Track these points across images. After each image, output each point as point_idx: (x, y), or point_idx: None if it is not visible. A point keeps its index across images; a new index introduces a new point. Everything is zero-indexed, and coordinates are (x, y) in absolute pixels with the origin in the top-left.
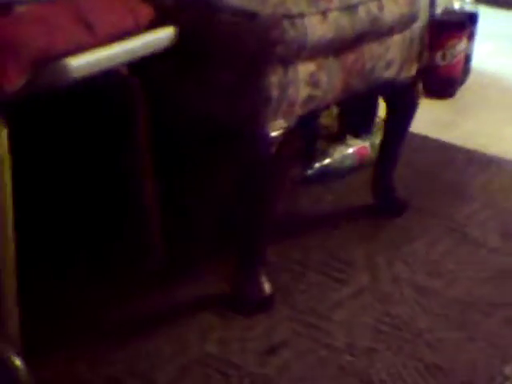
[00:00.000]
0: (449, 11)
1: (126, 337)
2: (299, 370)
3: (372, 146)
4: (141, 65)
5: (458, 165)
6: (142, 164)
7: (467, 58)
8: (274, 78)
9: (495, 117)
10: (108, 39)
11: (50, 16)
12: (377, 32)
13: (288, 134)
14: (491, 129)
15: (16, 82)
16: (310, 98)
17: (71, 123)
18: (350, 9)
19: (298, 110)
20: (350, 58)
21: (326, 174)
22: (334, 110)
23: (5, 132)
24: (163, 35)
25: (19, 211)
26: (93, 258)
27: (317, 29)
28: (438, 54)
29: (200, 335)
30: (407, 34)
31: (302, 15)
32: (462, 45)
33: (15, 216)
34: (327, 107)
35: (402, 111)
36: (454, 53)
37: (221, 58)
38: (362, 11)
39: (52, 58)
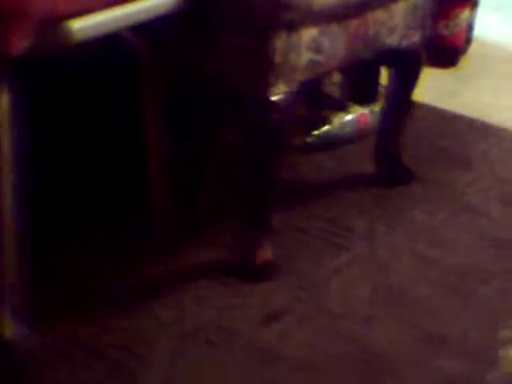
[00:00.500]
0: None
1: (131, 303)
2: (299, 336)
3: (372, 113)
4: (150, 27)
5: (459, 133)
6: (152, 127)
7: (469, 27)
8: (278, 43)
9: (496, 86)
10: (112, 1)
11: None
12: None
13: (292, 99)
14: (492, 98)
15: (19, 45)
16: (312, 63)
17: (80, 88)
18: None
19: (300, 75)
20: (354, 23)
21: (326, 141)
22: (337, 78)
23: (6, 96)
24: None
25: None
26: (100, 222)
27: None
28: (441, 23)
29: (201, 301)
30: (411, 0)
31: None
32: (464, 14)
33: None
34: (330, 74)
35: (405, 78)
36: (456, 22)
37: (230, 22)
38: None
39: (55, 21)
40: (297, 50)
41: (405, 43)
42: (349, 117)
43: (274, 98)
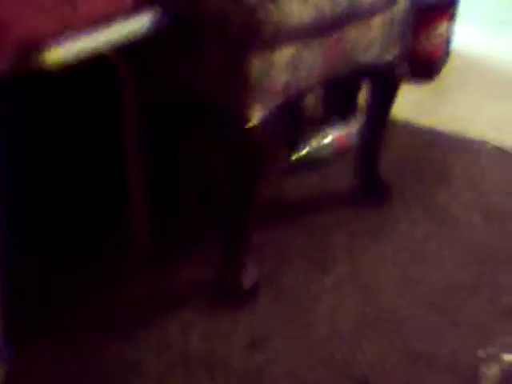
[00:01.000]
0: None
1: (114, 327)
2: (285, 363)
3: (350, 134)
4: (132, 45)
5: (440, 148)
6: (128, 143)
7: (448, 40)
8: (256, 62)
9: (475, 99)
10: (93, 21)
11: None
12: (357, 14)
13: (271, 118)
14: (470, 111)
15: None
16: (291, 81)
17: (59, 104)
18: None
19: (279, 94)
20: (331, 40)
21: (306, 161)
22: (316, 97)
23: None
24: (147, 19)
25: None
26: (81, 246)
27: (298, 11)
28: (419, 37)
29: (185, 328)
30: (388, 15)
31: None
32: (443, 27)
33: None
34: (309, 92)
35: (385, 93)
36: (435, 35)
37: (207, 40)
38: None
39: (37, 42)
40: (275, 69)
41: (383, 58)
42: (329, 137)
43: (253, 118)
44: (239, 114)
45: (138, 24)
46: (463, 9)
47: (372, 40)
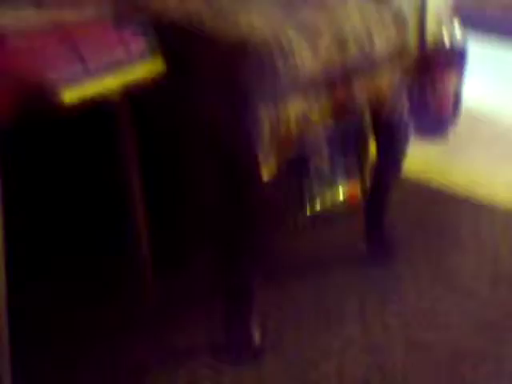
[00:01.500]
0: (438, 46)
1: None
2: None
3: (362, 188)
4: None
5: (449, 209)
6: (131, 187)
7: (457, 95)
8: (265, 114)
9: (487, 159)
10: (99, 70)
11: (43, 48)
12: (367, 66)
13: (281, 175)
14: (483, 172)
15: (8, 114)
16: (301, 133)
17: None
18: (341, 44)
19: (289, 146)
20: (341, 92)
21: (317, 216)
22: (325, 151)
23: None
24: (152, 64)
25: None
26: (86, 294)
27: (308, 64)
28: (428, 91)
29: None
30: (398, 68)
31: (293, 50)
32: (451, 81)
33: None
34: (319, 148)
35: (393, 149)
36: (443, 89)
37: (213, 88)
38: (352, 46)
39: (44, 90)
40: (284, 120)
41: (393, 111)
42: (340, 193)
43: (263, 173)
44: (249, 169)
45: (144, 69)
46: (473, 65)
47: (382, 93)
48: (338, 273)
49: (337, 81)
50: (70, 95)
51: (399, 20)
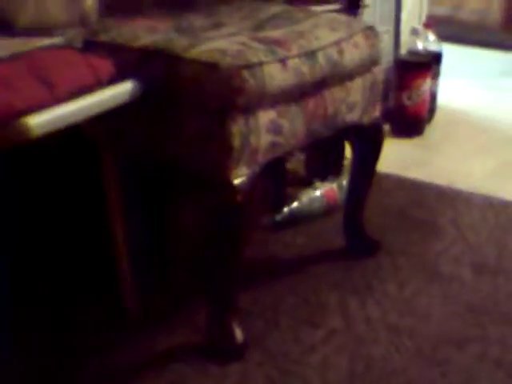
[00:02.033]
0: (413, 52)
1: None
2: None
3: (340, 187)
4: (108, 115)
5: (428, 202)
6: (111, 211)
7: (433, 97)
8: (236, 127)
9: (462, 153)
10: (68, 96)
11: (10, 76)
12: (337, 76)
13: (254, 180)
14: (459, 165)
15: None
16: (273, 144)
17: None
18: (309, 56)
19: (261, 157)
20: (312, 103)
21: (295, 218)
22: (301, 155)
23: None
24: (123, 90)
25: None
26: (69, 310)
27: (276, 77)
28: (404, 95)
29: None
30: (368, 76)
31: (261, 64)
32: (427, 84)
33: None
34: (292, 153)
35: (368, 152)
36: (419, 92)
37: (184, 109)
38: (321, 57)
39: (12, 118)
40: (256, 133)
41: (366, 118)
42: (317, 193)
43: (236, 181)
44: (222, 178)
45: (115, 95)
46: (447, 64)
47: (354, 102)
48: (318, 268)
49: (307, 91)
50: (39, 123)
51: (370, 32)
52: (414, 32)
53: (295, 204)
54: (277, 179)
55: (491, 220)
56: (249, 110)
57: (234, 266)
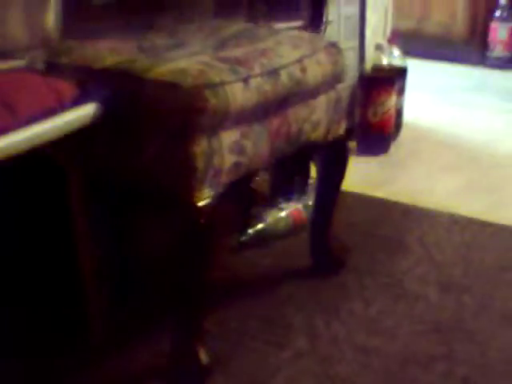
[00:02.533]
0: (377, 67)
1: None
2: None
3: (305, 207)
4: (71, 137)
5: (393, 220)
6: (76, 232)
7: (398, 113)
8: (199, 148)
9: (427, 170)
10: (30, 119)
11: None
12: (301, 94)
13: (218, 200)
14: (424, 183)
15: None
16: (237, 165)
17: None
18: (272, 74)
19: (225, 178)
20: (275, 122)
21: (261, 238)
22: (266, 175)
23: None
24: (86, 112)
25: None
26: (31, 331)
27: (239, 96)
28: (370, 111)
29: None
30: (332, 94)
31: (223, 83)
32: (392, 100)
33: None
34: (256, 172)
35: (333, 171)
36: (384, 108)
37: (147, 130)
38: (284, 75)
39: None
40: (219, 154)
41: (330, 136)
42: (283, 213)
43: (200, 203)
44: (186, 200)
45: (78, 118)
46: (413, 80)
47: (318, 120)
48: (284, 288)
49: (270, 110)
50: (1, 147)
51: (333, 49)
52: (379, 47)
53: (260, 224)
54: (241, 199)
55: (456, 237)
56: (212, 130)
57: (199, 287)
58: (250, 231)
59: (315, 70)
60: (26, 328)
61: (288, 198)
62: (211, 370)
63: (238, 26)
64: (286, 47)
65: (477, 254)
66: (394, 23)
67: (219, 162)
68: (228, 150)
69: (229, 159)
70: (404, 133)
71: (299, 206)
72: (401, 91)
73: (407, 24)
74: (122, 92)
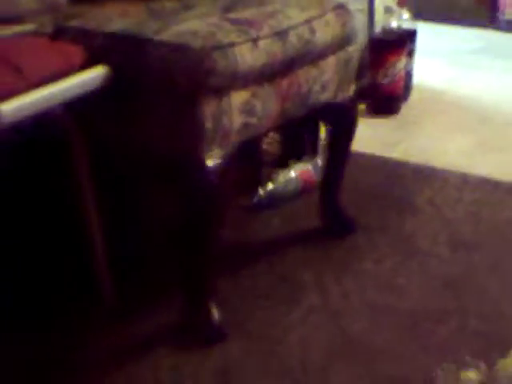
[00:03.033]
0: (387, 30)
1: (83, 376)
2: None
3: (315, 168)
4: (79, 103)
5: (404, 180)
6: (84, 200)
7: (408, 75)
8: (208, 109)
9: (438, 131)
10: (39, 82)
11: None
12: (310, 56)
13: (229, 161)
14: (434, 143)
15: None
16: (246, 125)
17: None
18: (281, 35)
19: (235, 138)
20: (284, 83)
21: (271, 199)
22: (277, 136)
23: None
24: (94, 75)
25: None
26: (43, 298)
27: (248, 57)
28: (380, 73)
29: (154, 371)
30: (342, 55)
31: (232, 45)
32: (402, 62)
33: None
34: (266, 133)
35: (342, 132)
36: (394, 71)
37: (156, 93)
38: (292, 36)
39: None
40: (228, 114)
41: (339, 97)
42: (292, 173)
43: (209, 164)
44: (196, 161)
45: (87, 80)
46: (422, 42)
47: (327, 81)
48: (294, 248)
49: (279, 71)
50: (11, 109)
51: (341, 10)
52: (388, 10)
53: (271, 185)
54: (252, 160)
55: (468, 196)
56: (221, 91)
57: (210, 248)
58: (261, 192)
59: (324, 32)
60: (42, 294)
61: (298, 159)
62: (225, 327)
63: None
64: (294, 9)
65: (488, 212)
66: None
67: (228, 122)
68: (237, 110)
69: (238, 119)
70: (414, 95)
71: (309, 166)
72: (410, 53)
73: None
74: (130, 55)
